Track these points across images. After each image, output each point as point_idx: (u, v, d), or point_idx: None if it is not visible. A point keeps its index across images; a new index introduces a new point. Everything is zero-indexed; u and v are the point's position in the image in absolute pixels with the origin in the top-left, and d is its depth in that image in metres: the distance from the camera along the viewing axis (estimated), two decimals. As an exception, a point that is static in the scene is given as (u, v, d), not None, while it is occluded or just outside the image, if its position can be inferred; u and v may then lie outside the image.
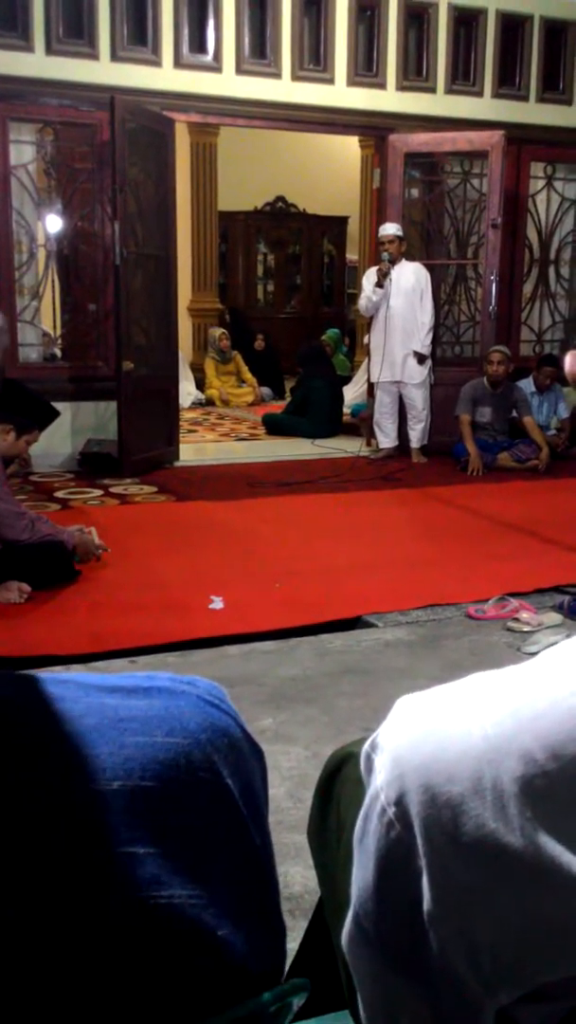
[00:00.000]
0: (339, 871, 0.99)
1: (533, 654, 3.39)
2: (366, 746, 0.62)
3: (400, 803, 0.56)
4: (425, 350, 6.99)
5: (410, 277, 6.89)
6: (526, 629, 3.62)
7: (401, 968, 0.57)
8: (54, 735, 0.48)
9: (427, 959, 0.55)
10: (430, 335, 7.02)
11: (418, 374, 7.01)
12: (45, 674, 0.52)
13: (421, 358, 6.97)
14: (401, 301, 6.86)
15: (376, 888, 0.58)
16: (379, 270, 6.85)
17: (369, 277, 7.02)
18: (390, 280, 6.84)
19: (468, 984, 0.52)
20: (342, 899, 0.65)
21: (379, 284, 6.86)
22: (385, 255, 6.84)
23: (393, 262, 6.85)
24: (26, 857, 0.44)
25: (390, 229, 6.92)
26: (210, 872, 0.50)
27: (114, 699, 0.51)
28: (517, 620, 3.69)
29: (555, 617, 3.75)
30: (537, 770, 0.51)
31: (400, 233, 6.94)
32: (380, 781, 0.59)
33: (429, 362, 7.05)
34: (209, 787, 0.51)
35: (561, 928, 0.49)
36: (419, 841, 0.55)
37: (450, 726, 0.57)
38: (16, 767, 0.46)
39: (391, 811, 0.57)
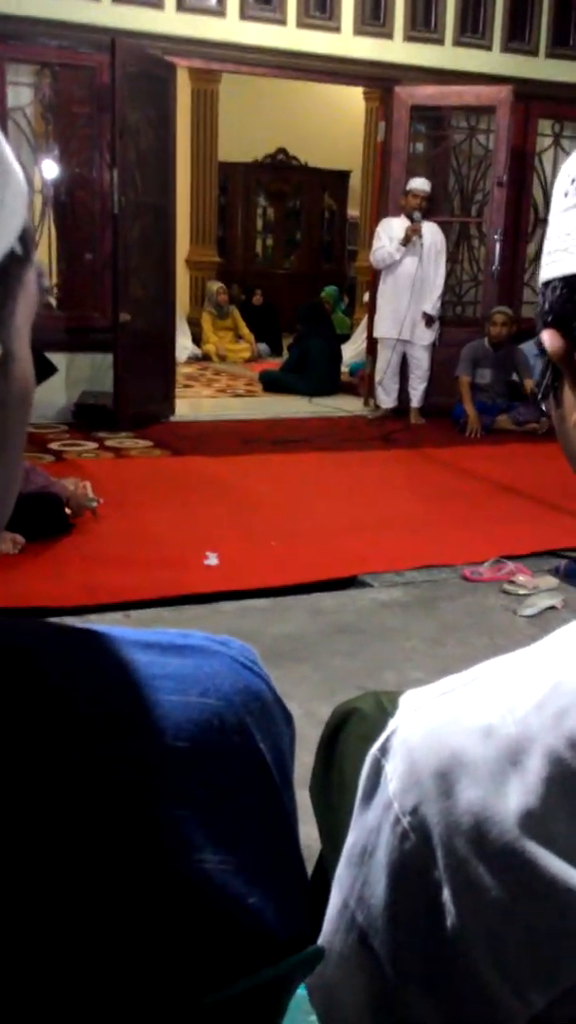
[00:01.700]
0: (342, 827, 0.98)
1: (529, 617, 3.40)
2: (374, 749, 0.57)
3: (416, 811, 0.53)
4: (435, 312, 6.88)
5: (428, 236, 6.76)
6: (522, 592, 3.61)
7: (414, 983, 0.54)
8: (86, 690, 0.46)
9: (449, 973, 0.52)
10: (440, 298, 6.92)
11: (428, 336, 6.90)
12: (80, 625, 0.50)
13: (430, 320, 6.87)
14: (419, 260, 6.74)
15: (389, 904, 0.55)
16: (411, 228, 6.65)
17: (387, 229, 6.80)
18: (419, 239, 6.69)
19: (498, 991, 0.49)
20: None
21: (405, 241, 6.68)
22: (416, 214, 6.67)
23: (422, 219, 6.71)
24: (58, 818, 0.43)
25: (424, 184, 6.73)
26: (241, 838, 0.49)
27: (148, 655, 0.49)
28: (513, 583, 3.67)
29: (550, 580, 3.74)
30: (564, 768, 0.48)
31: (430, 190, 6.79)
32: (393, 789, 0.55)
33: (437, 323, 6.96)
34: (241, 751, 0.50)
35: None
36: (438, 852, 0.51)
37: (467, 724, 0.52)
38: (47, 722, 0.44)
39: (406, 820, 0.53)
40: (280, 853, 0.52)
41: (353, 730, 1.13)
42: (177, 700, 0.48)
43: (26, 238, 0.45)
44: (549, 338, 0.52)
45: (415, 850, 0.53)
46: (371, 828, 0.57)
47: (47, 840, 0.42)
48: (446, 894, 0.51)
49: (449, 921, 0.51)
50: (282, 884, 0.50)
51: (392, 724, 0.57)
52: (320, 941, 0.59)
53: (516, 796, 0.49)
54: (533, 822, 0.48)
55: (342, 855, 0.60)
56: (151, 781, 0.46)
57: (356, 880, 0.58)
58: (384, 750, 0.57)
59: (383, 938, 0.55)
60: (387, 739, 0.57)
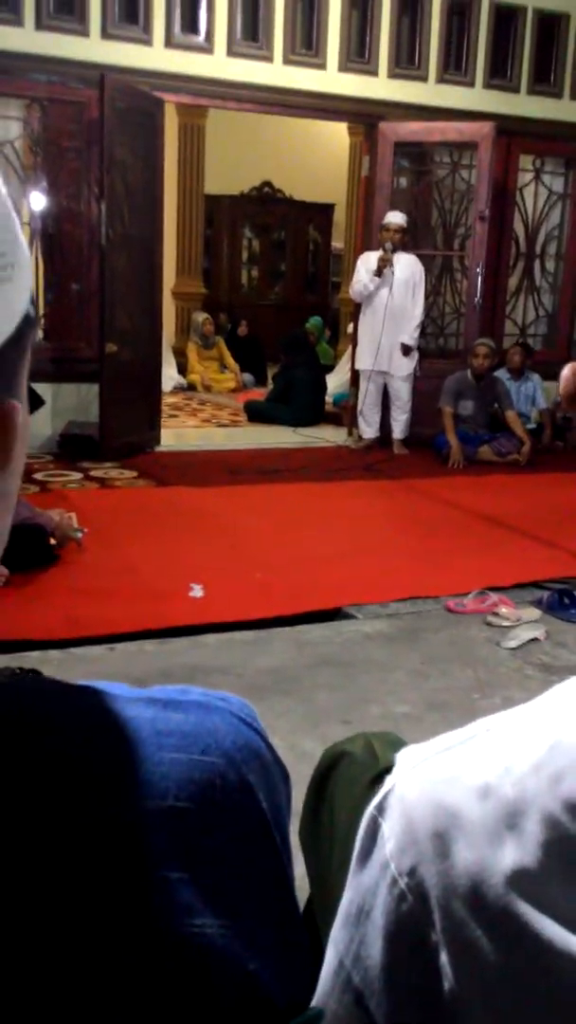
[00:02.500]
0: (331, 872, 0.97)
1: (512, 649, 3.41)
2: (371, 807, 0.56)
3: (414, 873, 0.52)
4: (413, 343, 6.95)
5: (405, 268, 6.84)
6: (505, 624, 3.62)
7: None
8: (85, 752, 0.45)
9: None
10: (419, 328, 7.00)
11: (405, 367, 6.97)
12: (82, 682, 0.50)
13: (407, 350, 6.93)
14: (395, 292, 6.81)
15: (386, 965, 0.54)
16: (381, 258, 6.76)
17: (366, 261, 6.91)
18: (390, 270, 6.79)
19: None
20: (332, 901, 0.61)
21: (378, 273, 6.78)
22: (388, 244, 6.77)
23: (395, 251, 6.80)
24: (55, 880, 0.42)
25: (398, 218, 6.85)
26: (242, 901, 0.48)
27: (151, 711, 0.49)
28: (496, 615, 3.69)
29: (534, 612, 3.75)
30: (561, 832, 0.47)
31: (405, 224, 6.89)
32: (390, 849, 0.54)
33: (416, 355, 7.02)
34: (243, 809, 0.49)
35: None
36: (436, 914, 0.51)
37: (465, 783, 0.52)
38: (43, 786, 0.44)
39: (403, 882, 0.52)
40: (280, 915, 0.51)
41: (343, 774, 1.12)
42: (179, 758, 0.47)
43: (33, 299, 0.47)
44: (567, 372, 0.51)
45: (412, 912, 0.52)
46: (368, 888, 0.56)
47: (39, 906, 0.41)
48: (444, 957, 0.50)
49: (447, 984, 0.50)
50: (282, 947, 0.50)
51: (389, 782, 0.56)
52: (314, 1001, 0.59)
53: (513, 859, 0.48)
54: (529, 885, 0.47)
55: (338, 914, 0.59)
56: (149, 843, 0.45)
57: (352, 940, 0.57)
58: (381, 808, 0.56)
59: (379, 1000, 0.54)
60: (384, 797, 0.56)
